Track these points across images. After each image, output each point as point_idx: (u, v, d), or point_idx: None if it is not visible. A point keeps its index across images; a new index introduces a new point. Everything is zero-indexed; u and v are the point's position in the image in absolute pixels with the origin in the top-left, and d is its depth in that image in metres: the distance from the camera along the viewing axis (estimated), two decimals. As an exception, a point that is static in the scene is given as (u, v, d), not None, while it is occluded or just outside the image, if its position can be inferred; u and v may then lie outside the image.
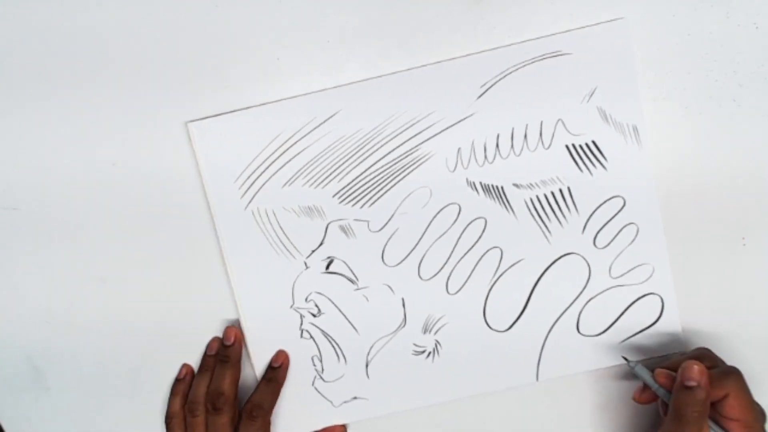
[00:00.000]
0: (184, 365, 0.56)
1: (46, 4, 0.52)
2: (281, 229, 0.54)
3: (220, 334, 0.56)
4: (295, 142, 0.53)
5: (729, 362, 0.51)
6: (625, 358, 0.53)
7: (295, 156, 0.53)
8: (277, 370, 0.55)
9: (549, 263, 0.54)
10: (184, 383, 0.56)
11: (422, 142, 0.53)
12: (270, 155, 0.53)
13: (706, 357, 0.50)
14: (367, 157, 0.53)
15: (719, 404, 0.47)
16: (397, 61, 0.52)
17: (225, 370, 0.54)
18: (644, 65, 0.51)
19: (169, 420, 0.56)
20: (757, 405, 0.49)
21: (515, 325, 0.55)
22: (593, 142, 0.52)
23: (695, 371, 0.46)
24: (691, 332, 0.55)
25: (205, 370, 0.55)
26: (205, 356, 0.56)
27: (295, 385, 0.56)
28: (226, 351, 0.55)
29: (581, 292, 0.54)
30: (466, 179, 0.53)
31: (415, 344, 0.55)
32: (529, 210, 0.53)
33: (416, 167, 0.53)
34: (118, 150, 0.53)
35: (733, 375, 0.48)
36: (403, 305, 0.55)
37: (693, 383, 0.46)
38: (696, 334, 0.55)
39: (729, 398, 0.46)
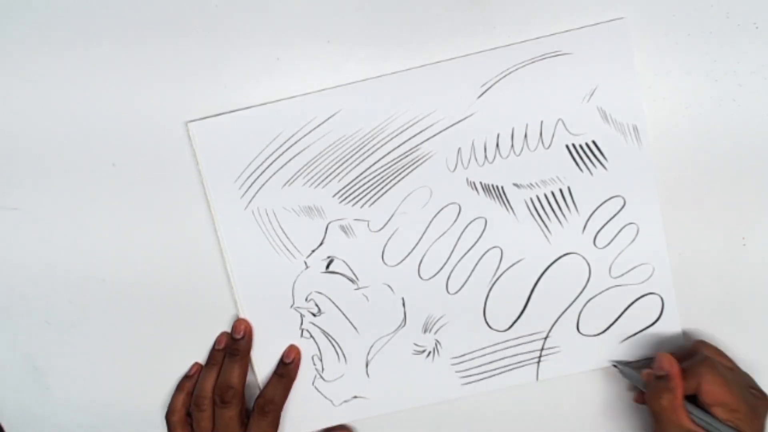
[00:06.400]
0: (195, 363, 0.56)
1: (46, 4, 0.52)
2: (281, 228, 0.54)
3: (219, 333, 0.56)
4: (295, 142, 0.53)
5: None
6: (614, 364, 0.54)
7: (295, 156, 0.53)
8: (288, 366, 0.55)
9: (549, 263, 0.54)
10: (191, 380, 0.56)
11: (422, 142, 0.53)
12: (270, 155, 0.53)
13: (700, 348, 0.52)
14: (367, 157, 0.53)
15: (699, 395, 0.48)
16: (397, 61, 0.52)
17: (233, 363, 0.54)
18: (644, 65, 0.51)
19: (170, 416, 0.55)
20: (739, 387, 0.48)
21: (515, 325, 0.55)
22: (593, 142, 0.52)
23: (665, 361, 0.49)
24: (691, 332, 0.55)
25: (213, 365, 0.55)
26: (214, 350, 0.55)
27: (296, 384, 0.56)
28: (235, 344, 0.54)
29: (581, 292, 0.54)
30: (466, 179, 0.53)
31: (415, 344, 0.55)
32: (529, 210, 0.53)
33: (416, 167, 0.53)
34: (118, 150, 0.53)
35: (704, 364, 0.48)
36: (403, 305, 0.55)
37: (662, 372, 0.48)
38: (696, 334, 0.55)
39: (702, 386, 0.47)
